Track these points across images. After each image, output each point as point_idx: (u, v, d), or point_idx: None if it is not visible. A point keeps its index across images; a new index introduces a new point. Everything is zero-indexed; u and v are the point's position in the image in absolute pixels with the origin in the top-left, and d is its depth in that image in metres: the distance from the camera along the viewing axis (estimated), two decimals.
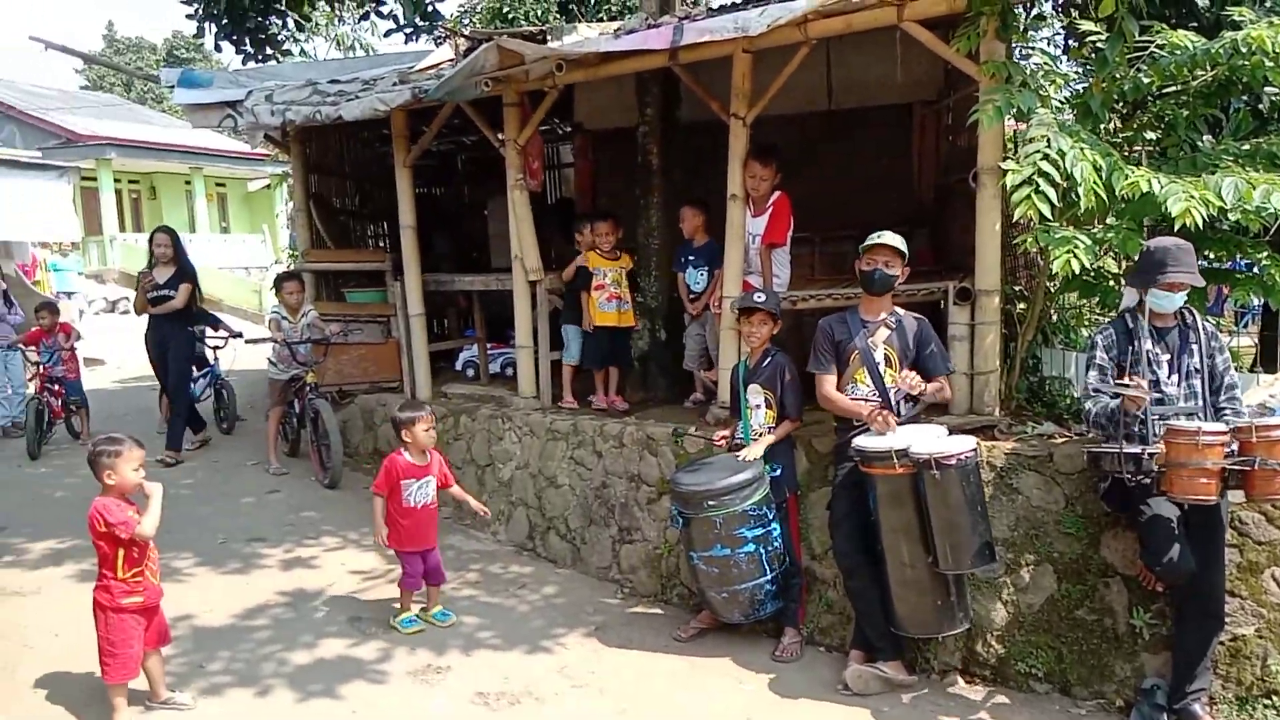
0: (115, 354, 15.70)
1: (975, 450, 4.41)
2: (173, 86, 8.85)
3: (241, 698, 4.66)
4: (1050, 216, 4.45)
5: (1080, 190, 4.39)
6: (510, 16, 14.36)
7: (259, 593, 5.91)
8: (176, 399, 8.80)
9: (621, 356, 7.09)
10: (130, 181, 29.14)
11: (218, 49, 9.94)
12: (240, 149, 28.96)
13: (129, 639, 4.27)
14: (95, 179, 25.38)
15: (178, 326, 8.67)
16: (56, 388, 9.48)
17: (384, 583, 6.10)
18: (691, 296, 6.73)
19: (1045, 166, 4.37)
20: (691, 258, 6.71)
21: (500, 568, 6.55)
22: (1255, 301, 6.78)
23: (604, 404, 6.98)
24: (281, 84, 8.24)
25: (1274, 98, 5.40)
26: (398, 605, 5.56)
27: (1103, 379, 4.32)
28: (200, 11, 9.43)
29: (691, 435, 5.96)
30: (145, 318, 8.84)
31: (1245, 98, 5.44)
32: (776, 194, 5.96)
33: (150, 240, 8.90)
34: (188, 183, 30.00)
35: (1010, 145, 5.52)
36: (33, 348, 9.62)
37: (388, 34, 10.03)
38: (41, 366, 9.50)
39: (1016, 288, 6.10)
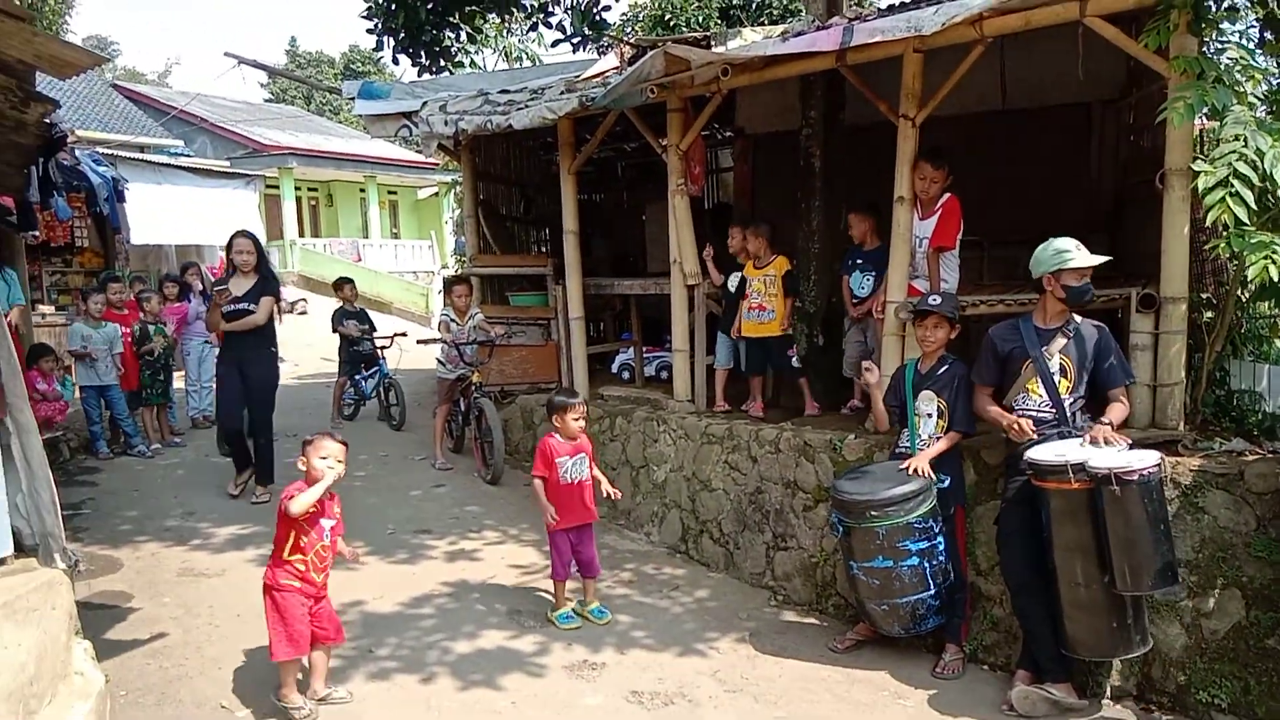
0: (293, 351, 16.58)
1: (1159, 466, 4.17)
2: (354, 98, 9.31)
3: (408, 683, 4.83)
4: (1246, 220, 4.19)
5: None
6: (672, 24, 14.48)
7: (425, 582, 6.14)
8: (262, 432, 7.66)
9: (776, 364, 7.01)
10: (309, 189, 30.84)
11: (395, 62, 10.39)
12: (411, 158, 30.21)
13: (293, 615, 4.39)
14: (277, 186, 26.93)
15: (259, 347, 7.51)
16: None
17: (542, 577, 6.23)
18: (855, 301, 6.62)
19: (1242, 167, 4.13)
20: (860, 261, 6.59)
21: (653, 568, 6.59)
22: None
23: (756, 410, 6.95)
24: (454, 94, 8.54)
25: None
26: (553, 600, 5.68)
27: None
28: (380, 26, 9.88)
29: (851, 443, 5.86)
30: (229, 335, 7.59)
31: None
32: (946, 196, 5.80)
33: (228, 246, 7.55)
34: (362, 190, 31.51)
35: (1197, 145, 5.22)
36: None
37: (555, 44, 10.28)
38: None
39: (1203, 295, 5.76)
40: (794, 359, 6.89)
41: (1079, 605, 4.32)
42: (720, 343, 7.22)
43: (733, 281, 7.12)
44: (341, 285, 11.08)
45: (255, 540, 6.77)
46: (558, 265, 8.73)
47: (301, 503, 4.34)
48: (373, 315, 11.38)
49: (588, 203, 11.51)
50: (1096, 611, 4.29)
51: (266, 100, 44.33)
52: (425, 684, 4.83)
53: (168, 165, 17.11)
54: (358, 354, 10.55)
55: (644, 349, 9.00)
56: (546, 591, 5.90)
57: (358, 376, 10.60)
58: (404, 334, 10.63)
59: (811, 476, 6.02)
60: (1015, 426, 4.57)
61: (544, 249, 11.11)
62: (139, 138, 20.03)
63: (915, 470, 4.88)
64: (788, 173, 7.59)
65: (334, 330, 10.66)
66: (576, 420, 5.58)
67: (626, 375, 9.09)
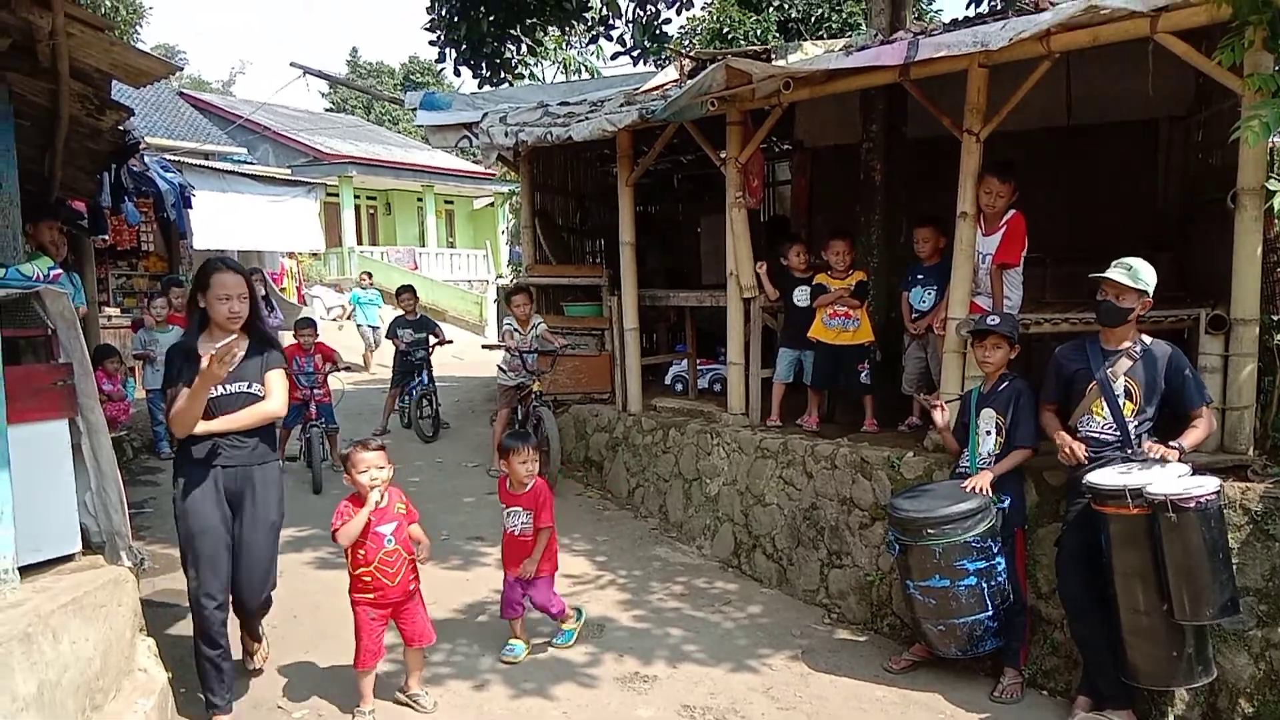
0: (348, 356, 16.80)
1: (1218, 493, 4.07)
2: (416, 108, 9.44)
3: (461, 689, 4.86)
4: None
5: None
6: (730, 37, 14.48)
7: (478, 589, 6.17)
8: (254, 613, 4.68)
9: (846, 377, 6.89)
10: (368, 197, 31.28)
11: (456, 73, 10.71)
12: (468, 168, 30.55)
13: (362, 629, 4.48)
14: (337, 195, 27.32)
15: (261, 459, 4.42)
16: (311, 410, 8.75)
17: (593, 588, 6.25)
18: (914, 316, 6.55)
19: None
20: (921, 276, 6.52)
21: (705, 582, 6.56)
22: None
23: (812, 425, 6.90)
24: (514, 106, 8.63)
25: None
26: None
27: None
28: (442, 38, 10.02)
29: (909, 460, 5.80)
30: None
31: None
32: (1011, 212, 5.73)
33: (200, 284, 4.29)
34: (419, 199, 31.92)
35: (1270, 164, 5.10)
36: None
37: (614, 56, 10.28)
38: (304, 388, 8.73)
39: (1274, 317, 5.61)
40: (864, 374, 6.79)
41: (1139, 632, 4.24)
42: (781, 357, 7.17)
43: (801, 296, 7.04)
44: (401, 294, 10.92)
45: (313, 542, 6.87)
46: (613, 276, 8.75)
47: (348, 534, 4.39)
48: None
49: (643, 214, 11.53)
50: (1157, 639, 4.20)
51: (327, 109, 45.06)
52: (478, 690, 4.86)
53: (232, 172, 17.50)
54: (410, 364, 10.41)
55: (698, 361, 8.99)
56: (599, 602, 5.92)
57: (410, 385, 10.52)
58: (448, 341, 10.60)
59: (868, 494, 5.96)
60: (1067, 450, 4.52)
61: (599, 260, 11.16)
62: (204, 145, 20.43)
63: (976, 488, 4.82)
64: (845, 186, 7.56)
65: (388, 337, 10.71)
66: (524, 464, 5.17)
67: (680, 387, 9.08)
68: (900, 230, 7.05)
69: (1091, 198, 7.54)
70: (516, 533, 5.23)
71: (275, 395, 4.34)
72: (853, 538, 6.03)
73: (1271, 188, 4.26)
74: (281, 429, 8.85)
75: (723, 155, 7.23)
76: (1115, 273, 4.50)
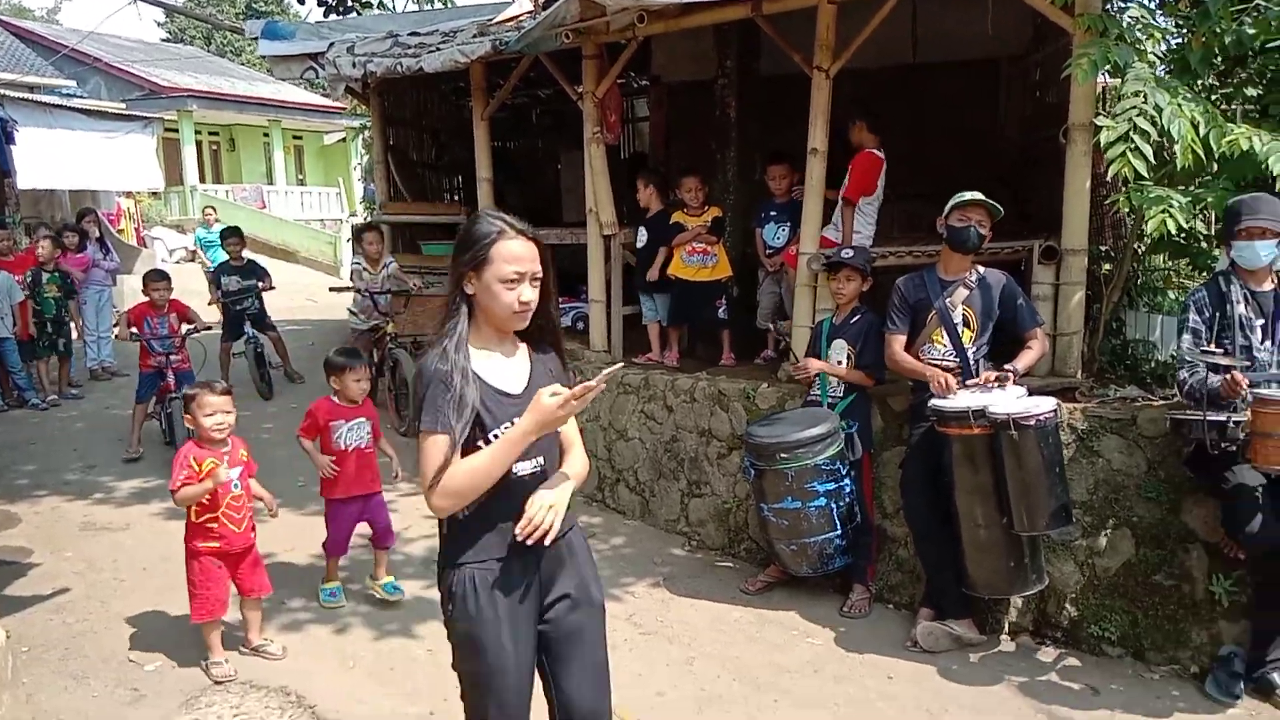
0: (189, 302, 16.06)
1: (1055, 411, 4.33)
2: (257, 38, 9.00)
3: (321, 634, 4.81)
4: (1145, 175, 4.33)
5: (1177, 148, 4.27)
6: None
7: None
8: None
9: (703, 313, 6.97)
10: (210, 133, 29.77)
11: (301, 1, 10.07)
12: (318, 102, 29.39)
13: (206, 580, 4.32)
14: (177, 130, 25.91)
15: (573, 516, 2.86)
16: (169, 380, 7.50)
17: None
18: (768, 252, 6.68)
19: (1142, 123, 4.24)
20: (774, 213, 6.63)
21: None
22: None
23: (672, 360, 6.99)
24: (362, 36, 8.33)
25: None
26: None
27: (1196, 342, 4.21)
28: None
29: (764, 391, 5.95)
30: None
31: None
32: (861, 151, 5.88)
33: (474, 252, 2.61)
34: (266, 135, 30.54)
35: (1100, 102, 5.37)
36: (135, 329, 7.61)
37: None
38: (159, 354, 7.62)
39: (1102, 248, 5.96)
40: (722, 309, 6.85)
41: (979, 546, 4.47)
42: (643, 301, 7.20)
43: (640, 238, 7.05)
44: (228, 238, 9.80)
45: (159, 493, 6.62)
46: (471, 214, 8.60)
47: (189, 496, 4.22)
48: (281, 266, 10.94)
49: (501, 150, 11.34)
50: (995, 552, 4.44)
51: (164, 40, 42.46)
52: (339, 634, 4.81)
53: (60, 106, 16.42)
54: (240, 314, 9.41)
55: (560, 299, 8.94)
56: None
57: (249, 337, 9.32)
58: (272, 287, 9.68)
59: (726, 425, 6.10)
60: (940, 381, 4.61)
61: (457, 197, 10.96)
62: (27, 77, 18.97)
63: (807, 369, 5.19)
64: (702, 123, 7.61)
65: (213, 285, 9.70)
66: (359, 382, 5.06)
67: None
68: (755, 167, 7.14)
69: (936, 135, 7.79)
70: (364, 446, 5.06)
71: (576, 435, 2.88)
72: (711, 467, 6.18)
73: (1099, 124, 4.47)
74: (137, 404, 7.81)
75: (579, 90, 7.15)
76: (981, 195, 4.67)
